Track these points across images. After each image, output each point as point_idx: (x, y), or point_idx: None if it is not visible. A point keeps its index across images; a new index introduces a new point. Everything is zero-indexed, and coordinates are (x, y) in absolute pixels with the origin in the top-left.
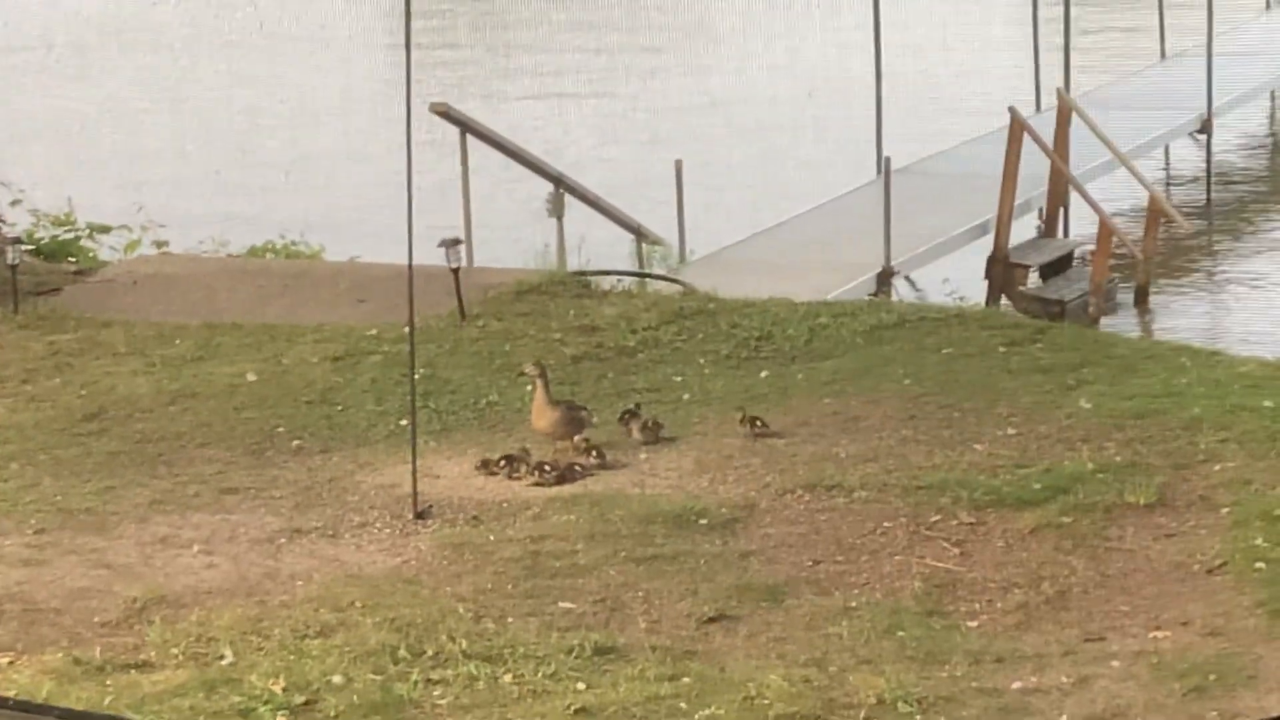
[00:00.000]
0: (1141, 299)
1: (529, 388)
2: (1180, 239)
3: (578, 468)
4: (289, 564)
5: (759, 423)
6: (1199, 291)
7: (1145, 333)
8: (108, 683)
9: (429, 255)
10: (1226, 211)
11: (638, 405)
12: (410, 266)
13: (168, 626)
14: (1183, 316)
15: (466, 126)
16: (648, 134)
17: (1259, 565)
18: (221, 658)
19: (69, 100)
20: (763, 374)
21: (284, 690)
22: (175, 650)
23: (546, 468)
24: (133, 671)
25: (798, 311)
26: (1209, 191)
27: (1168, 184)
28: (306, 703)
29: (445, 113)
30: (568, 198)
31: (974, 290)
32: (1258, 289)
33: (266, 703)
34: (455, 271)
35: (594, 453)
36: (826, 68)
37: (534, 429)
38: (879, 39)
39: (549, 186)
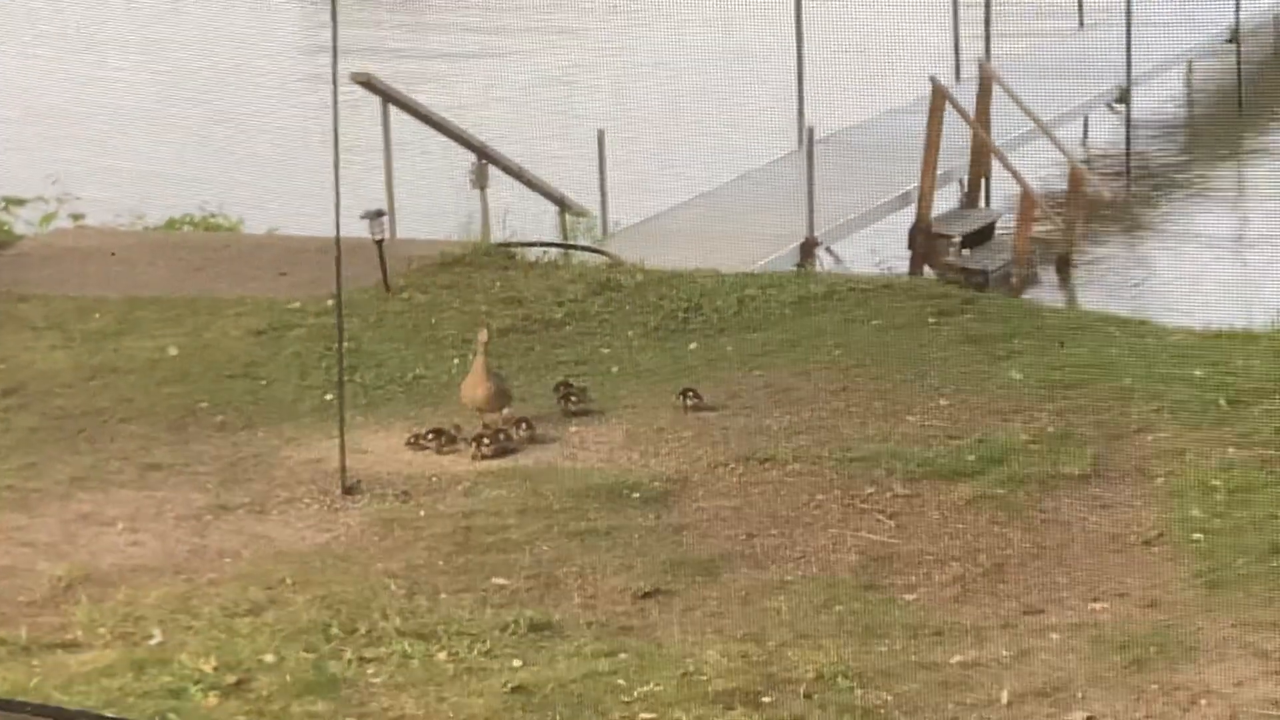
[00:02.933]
0: (1064, 268)
1: (470, 355)
2: (1101, 208)
3: (502, 436)
4: (216, 541)
5: (691, 393)
6: (1121, 260)
7: (1069, 302)
8: (34, 663)
9: (351, 227)
10: (1146, 180)
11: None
12: (338, 239)
13: (94, 605)
14: (1105, 286)
15: (389, 97)
16: (570, 104)
17: (1196, 536)
18: (150, 637)
19: None
20: (692, 346)
21: (215, 670)
22: (103, 630)
23: (485, 440)
24: (59, 651)
25: (725, 283)
26: (1128, 161)
27: (1086, 154)
28: (238, 682)
29: (368, 83)
30: (491, 169)
31: (896, 261)
32: (1178, 257)
33: (197, 683)
34: (379, 243)
35: (523, 425)
36: (745, 38)
37: (463, 399)
38: (800, 8)
39: (471, 158)
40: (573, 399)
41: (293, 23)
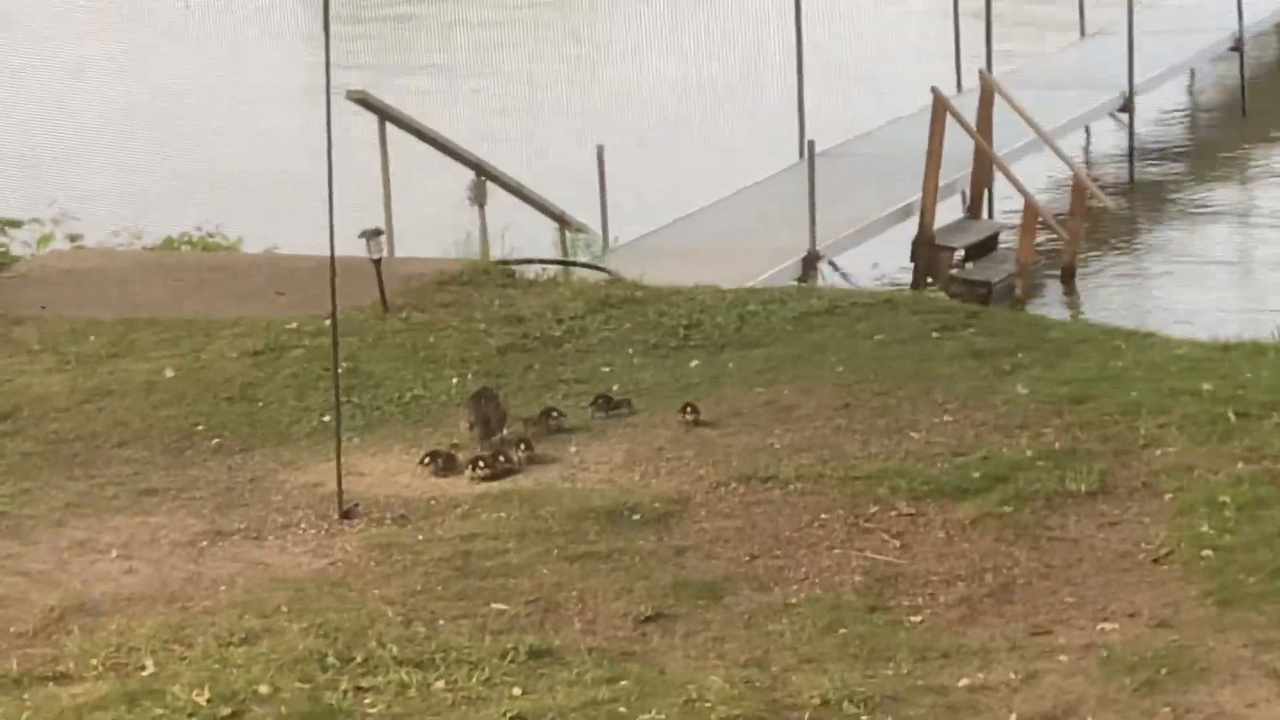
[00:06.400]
0: (1068, 279)
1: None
2: (1105, 218)
3: (501, 459)
4: (211, 568)
5: (690, 408)
6: (1125, 271)
7: (1073, 313)
8: (25, 696)
9: (349, 246)
10: (1149, 190)
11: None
12: (332, 258)
13: (87, 636)
14: (1110, 297)
15: (385, 114)
16: (568, 120)
17: (1206, 553)
18: (143, 668)
19: None
20: (693, 363)
21: (208, 701)
22: (95, 661)
23: (481, 463)
24: (51, 684)
25: (726, 299)
26: (1131, 170)
27: (1089, 163)
28: (232, 714)
29: (363, 100)
30: (490, 185)
31: (899, 273)
32: (1183, 267)
33: (190, 715)
34: (376, 262)
35: (522, 445)
36: (745, 50)
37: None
38: (799, 21)
39: (470, 175)
40: (553, 416)
41: (291, 35)
